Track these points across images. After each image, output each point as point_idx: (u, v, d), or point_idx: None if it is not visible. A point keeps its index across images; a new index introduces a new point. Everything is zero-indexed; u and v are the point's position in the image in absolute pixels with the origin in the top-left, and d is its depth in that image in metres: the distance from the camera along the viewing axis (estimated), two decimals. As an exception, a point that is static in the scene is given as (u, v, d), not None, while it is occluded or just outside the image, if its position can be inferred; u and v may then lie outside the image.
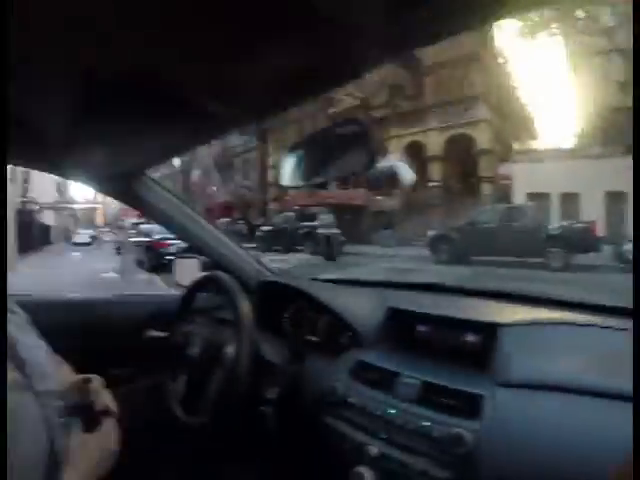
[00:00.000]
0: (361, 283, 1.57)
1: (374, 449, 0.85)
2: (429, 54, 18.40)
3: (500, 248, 9.87)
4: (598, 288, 7.31)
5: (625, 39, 12.63)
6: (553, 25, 14.47)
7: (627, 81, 14.42)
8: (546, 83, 40.80)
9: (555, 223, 10.73)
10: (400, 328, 1.11)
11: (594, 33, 13.68)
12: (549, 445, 0.72)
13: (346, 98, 21.44)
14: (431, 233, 11.64)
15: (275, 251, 13.49)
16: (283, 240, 13.90)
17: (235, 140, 25.78)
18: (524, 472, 0.72)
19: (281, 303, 1.37)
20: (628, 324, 0.85)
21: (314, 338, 1.25)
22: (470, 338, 1.01)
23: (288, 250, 13.47)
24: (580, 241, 9.49)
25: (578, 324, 0.97)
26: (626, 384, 0.61)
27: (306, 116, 18.74)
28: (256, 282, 1.49)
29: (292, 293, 1.35)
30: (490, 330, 0.96)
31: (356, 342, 1.11)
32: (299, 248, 13.34)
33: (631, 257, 9.20)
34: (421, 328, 1.09)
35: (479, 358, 0.94)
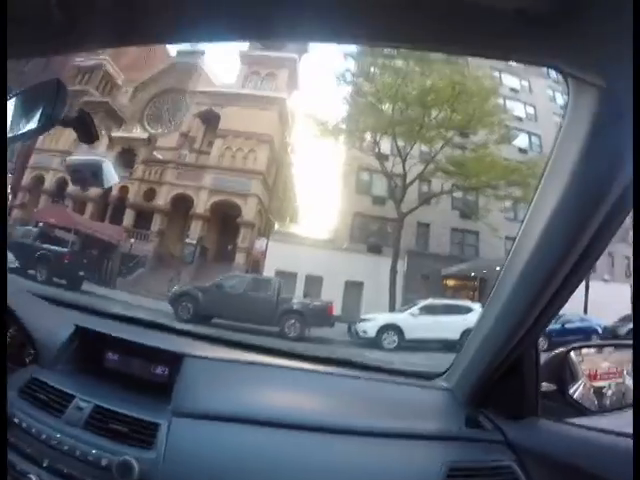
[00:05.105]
0: (62, 303, 1.41)
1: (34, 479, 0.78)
2: (229, 118, 19.65)
3: (242, 315, 9.91)
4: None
5: (391, 167, 15.54)
6: (341, 136, 16.96)
7: (381, 197, 17.90)
8: (319, 180, 50.40)
9: (297, 299, 11.50)
10: (89, 350, 1.06)
11: (371, 154, 15.93)
12: (227, 473, 0.78)
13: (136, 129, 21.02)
14: (176, 289, 11.12)
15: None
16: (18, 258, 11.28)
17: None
18: None
19: None
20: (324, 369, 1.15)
21: None
22: (158, 368, 1.03)
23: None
24: (317, 317, 10.35)
25: (264, 364, 1.10)
26: (308, 416, 0.90)
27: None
28: None
29: None
30: (176, 360, 1.00)
31: (37, 359, 1.03)
32: (30, 272, 10.96)
33: (360, 333, 10.10)
34: (110, 355, 1.06)
35: (164, 388, 0.96)
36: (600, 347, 1.10)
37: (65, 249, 11.82)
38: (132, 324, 1.38)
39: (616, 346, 1.09)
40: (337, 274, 16.06)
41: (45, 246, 11.59)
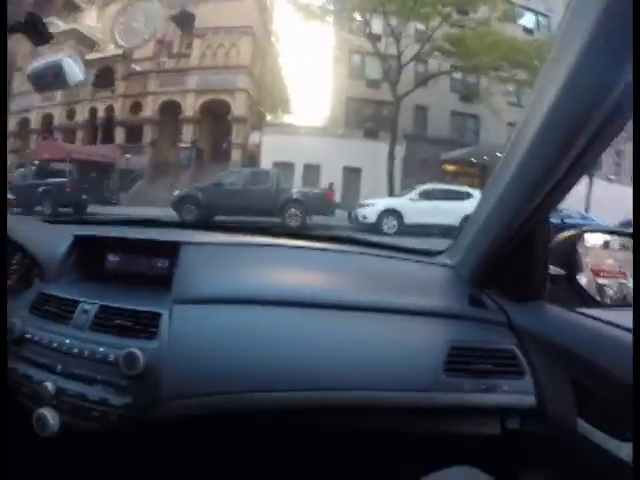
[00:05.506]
0: (61, 221, 1.41)
1: (51, 386, 0.81)
2: (204, 16, 18.21)
3: (244, 209, 9.86)
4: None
5: (384, 47, 14.55)
6: (328, 18, 15.54)
7: (375, 80, 17.17)
8: (308, 67, 49.89)
9: (296, 188, 11.39)
10: (89, 257, 1.06)
11: (362, 35, 15.00)
12: (231, 353, 0.80)
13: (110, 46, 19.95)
14: (177, 193, 10.97)
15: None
16: (22, 200, 11.09)
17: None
18: (208, 382, 0.78)
19: None
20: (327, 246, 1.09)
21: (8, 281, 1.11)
22: (158, 261, 1.03)
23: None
24: (317, 205, 10.32)
25: (265, 244, 1.09)
26: (311, 293, 0.90)
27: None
28: None
29: None
30: (175, 250, 0.98)
31: (42, 276, 1.02)
32: (37, 209, 11.07)
33: (360, 219, 10.05)
34: (111, 257, 1.07)
35: (165, 280, 0.95)
36: (610, 235, 1.03)
37: (65, 179, 11.92)
38: (129, 225, 1.36)
39: (623, 244, 1.03)
40: (334, 161, 15.79)
41: (45, 181, 11.74)
